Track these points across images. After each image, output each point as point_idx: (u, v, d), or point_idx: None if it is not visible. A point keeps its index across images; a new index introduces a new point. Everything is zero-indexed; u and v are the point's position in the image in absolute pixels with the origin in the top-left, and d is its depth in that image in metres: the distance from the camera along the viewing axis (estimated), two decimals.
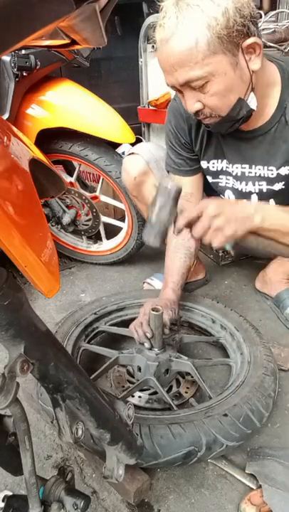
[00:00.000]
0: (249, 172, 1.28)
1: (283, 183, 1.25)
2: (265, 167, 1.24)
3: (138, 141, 1.82)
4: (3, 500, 0.70)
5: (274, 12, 1.97)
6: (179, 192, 0.93)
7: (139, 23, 2.08)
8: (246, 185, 1.31)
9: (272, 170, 1.24)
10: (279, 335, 1.50)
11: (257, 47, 1.00)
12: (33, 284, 0.53)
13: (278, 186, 1.27)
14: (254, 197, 1.33)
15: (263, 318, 1.59)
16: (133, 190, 1.53)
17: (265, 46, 1.81)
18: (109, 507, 0.96)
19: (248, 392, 1.04)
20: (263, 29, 1.84)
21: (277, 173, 1.24)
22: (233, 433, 0.95)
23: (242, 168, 1.28)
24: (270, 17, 1.92)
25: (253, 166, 1.26)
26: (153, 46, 2.08)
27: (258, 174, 1.27)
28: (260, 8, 2.51)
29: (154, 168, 1.46)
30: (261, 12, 1.98)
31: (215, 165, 1.34)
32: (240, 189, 1.33)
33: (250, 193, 1.32)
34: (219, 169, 1.34)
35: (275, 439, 1.11)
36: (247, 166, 1.27)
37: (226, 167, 1.32)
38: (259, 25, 1.85)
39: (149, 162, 1.46)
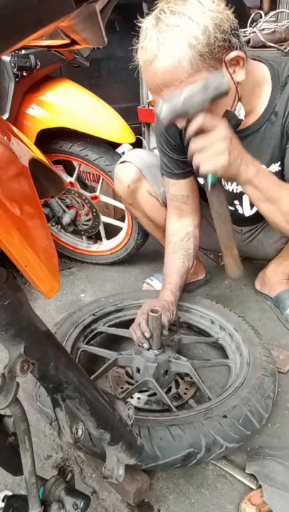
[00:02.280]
0: None
1: None
2: None
3: (138, 141, 1.82)
4: (3, 500, 0.70)
5: (274, 12, 1.98)
6: (225, 92, 0.93)
7: (140, 23, 2.08)
8: (237, 185, 1.31)
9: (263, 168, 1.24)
10: (279, 335, 1.50)
11: (240, 59, 1.01)
12: (33, 284, 0.53)
13: None
14: (245, 198, 1.33)
15: (263, 319, 1.59)
16: (128, 198, 1.52)
17: (265, 46, 1.81)
18: (109, 507, 0.96)
19: (247, 394, 1.04)
20: (263, 29, 1.84)
21: (268, 171, 1.24)
22: (232, 434, 0.95)
23: None
24: (270, 17, 1.92)
25: None
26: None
27: None
28: (260, 8, 2.51)
29: (148, 174, 1.46)
30: (261, 12, 1.98)
31: None
32: (230, 190, 1.33)
33: (242, 193, 1.33)
34: None
35: (275, 439, 1.11)
36: None
37: None
38: (259, 25, 1.86)
39: (142, 169, 1.45)
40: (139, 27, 1.00)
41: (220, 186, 1.07)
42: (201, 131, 0.96)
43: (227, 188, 1.33)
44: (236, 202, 1.37)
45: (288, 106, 1.13)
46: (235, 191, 1.33)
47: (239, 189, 1.31)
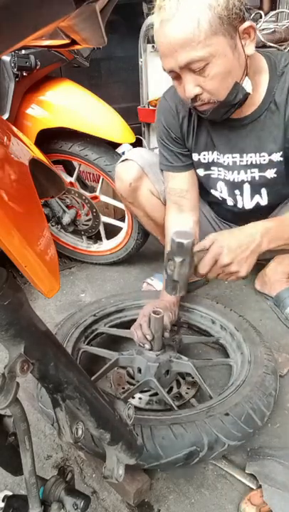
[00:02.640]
0: (240, 161, 1.29)
1: (275, 170, 1.26)
2: (257, 154, 1.25)
3: (138, 141, 1.82)
4: (3, 500, 0.70)
5: (274, 12, 1.97)
6: (194, 243, 0.93)
7: (139, 23, 2.08)
8: (238, 174, 1.31)
9: (264, 156, 1.25)
10: (279, 335, 1.50)
11: (252, 31, 1.03)
12: (33, 284, 0.53)
13: (270, 173, 1.27)
14: (246, 186, 1.33)
15: (263, 318, 1.59)
16: (128, 197, 1.52)
17: (265, 46, 1.81)
18: (109, 507, 0.96)
19: (249, 391, 1.04)
20: (263, 29, 1.84)
21: (270, 159, 1.25)
22: (234, 432, 0.95)
23: (233, 157, 1.29)
24: (270, 17, 1.92)
25: (245, 155, 1.27)
26: (153, 46, 2.08)
27: (249, 162, 1.28)
28: (260, 8, 2.51)
29: (149, 172, 1.46)
30: (261, 12, 1.98)
31: (206, 156, 1.34)
32: (232, 179, 1.34)
33: (243, 182, 1.33)
34: (210, 160, 1.34)
35: (275, 439, 1.11)
36: (238, 155, 1.28)
37: (217, 158, 1.32)
38: (259, 25, 1.86)
39: (144, 167, 1.45)
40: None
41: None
42: (209, 269, 0.98)
43: (228, 178, 1.34)
44: (237, 192, 1.37)
45: None
46: (235, 180, 1.33)
47: (240, 178, 1.32)
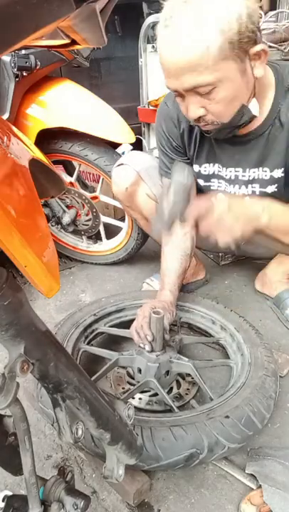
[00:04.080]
0: (243, 176, 1.28)
1: (276, 185, 1.25)
2: (260, 168, 1.24)
3: (138, 141, 1.82)
4: (3, 500, 0.69)
5: (274, 12, 1.97)
6: (192, 185, 0.93)
7: (139, 23, 2.08)
8: (239, 188, 1.31)
9: (266, 171, 1.24)
10: (279, 335, 1.50)
11: (263, 54, 0.98)
12: (33, 284, 0.53)
13: (271, 189, 1.27)
14: (246, 199, 1.33)
15: (263, 319, 1.59)
16: (125, 201, 1.52)
17: None
18: (109, 507, 0.96)
19: (249, 394, 1.04)
20: (263, 29, 1.84)
21: (271, 175, 1.24)
22: (234, 435, 0.95)
23: (235, 171, 1.28)
24: (270, 17, 1.92)
25: (247, 170, 1.26)
26: (153, 46, 2.08)
27: (251, 177, 1.27)
28: (260, 8, 2.50)
29: (145, 177, 1.45)
30: (261, 12, 1.98)
31: (207, 169, 1.33)
32: (232, 192, 1.33)
33: (243, 196, 1.32)
34: (211, 173, 1.33)
35: (275, 439, 1.11)
36: (240, 169, 1.27)
37: (219, 171, 1.31)
38: (259, 25, 1.86)
39: (140, 171, 1.45)
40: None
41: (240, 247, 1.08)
42: (201, 217, 0.97)
43: (229, 191, 1.33)
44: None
45: None
46: (237, 193, 1.32)
47: (241, 192, 1.31)
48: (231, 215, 0.97)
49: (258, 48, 0.96)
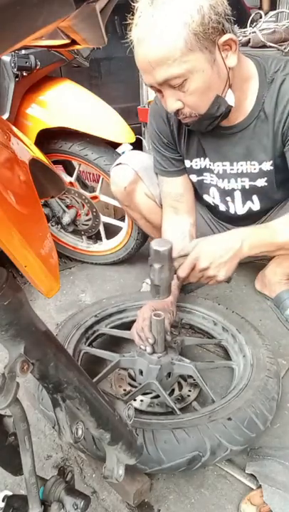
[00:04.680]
0: (231, 169, 1.28)
1: (265, 179, 1.26)
2: (248, 162, 1.25)
3: (138, 141, 1.82)
4: (3, 500, 0.69)
5: (274, 12, 1.98)
6: (171, 250, 0.98)
7: None
8: (228, 182, 1.31)
9: (254, 165, 1.24)
10: (279, 335, 1.50)
11: (232, 43, 1.01)
12: (33, 284, 0.53)
13: (261, 182, 1.27)
14: (237, 193, 1.33)
15: (263, 319, 1.59)
16: (124, 200, 1.52)
17: (265, 46, 1.81)
18: (109, 507, 0.96)
19: (251, 396, 1.04)
20: (263, 29, 1.84)
21: (260, 168, 1.24)
22: (237, 437, 0.94)
23: (223, 165, 1.29)
24: (270, 17, 1.92)
25: (235, 163, 1.26)
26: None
27: (240, 171, 1.27)
28: (260, 8, 2.51)
29: (144, 176, 1.45)
30: (261, 12, 1.98)
31: (198, 163, 1.34)
32: (222, 187, 1.34)
33: (233, 190, 1.33)
34: (202, 167, 1.34)
35: (275, 439, 1.11)
36: (228, 163, 1.28)
37: (209, 164, 1.32)
38: (259, 25, 1.86)
39: (138, 171, 1.45)
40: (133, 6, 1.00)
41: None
42: (189, 274, 1.04)
43: (219, 185, 1.33)
44: (228, 199, 1.37)
45: (279, 105, 1.12)
46: (226, 188, 1.33)
47: (230, 186, 1.31)
48: (212, 268, 1.03)
49: (225, 37, 0.98)
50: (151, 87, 1.07)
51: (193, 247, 1.03)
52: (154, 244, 0.96)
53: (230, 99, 1.09)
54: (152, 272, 0.99)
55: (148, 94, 2.30)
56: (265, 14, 1.95)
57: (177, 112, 1.09)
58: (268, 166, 1.23)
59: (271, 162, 1.22)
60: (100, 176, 1.81)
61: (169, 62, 0.97)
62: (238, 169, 1.27)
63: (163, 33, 0.94)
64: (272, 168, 1.23)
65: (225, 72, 1.04)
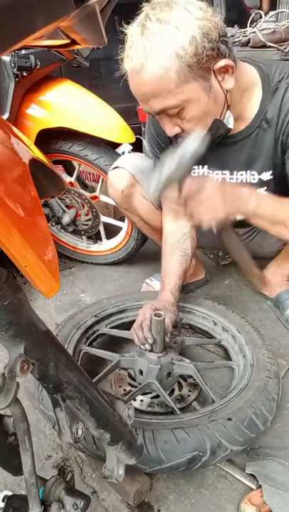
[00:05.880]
0: (230, 178, 1.27)
1: (265, 188, 1.25)
2: (248, 171, 1.24)
3: (138, 141, 1.82)
4: (3, 500, 0.70)
5: (274, 12, 1.97)
6: (199, 154, 0.93)
7: None
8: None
9: (254, 175, 1.23)
10: (279, 335, 1.50)
11: (229, 68, 0.99)
12: (33, 284, 0.53)
13: (260, 192, 1.25)
14: None
15: (263, 319, 1.59)
16: (122, 204, 1.52)
17: (265, 46, 1.81)
18: (109, 507, 0.96)
19: (251, 396, 1.04)
20: (263, 29, 1.84)
21: (259, 178, 1.23)
22: (237, 437, 0.94)
23: (222, 174, 1.28)
24: (270, 17, 1.92)
25: (235, 172, 1.26)
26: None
27: (239, 180, 1.26)
28: (260, 8, 2.51)
29: (141, 179, 1.45)
30: (261, 12, 1.98)
31: (196, 171, 1.33)
32: None
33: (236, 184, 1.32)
34: (200, 175, 1.33)
35: (275, 439, 1.11)
36: (227, 172, 1.27)
37: (208, 172, 1.31)
38: (259, 25, 1.86)
39: (135, 174, 1.44)
40: (125, 34, 0.99)
41: (227, 230, 1.09)
42: (192, 194, 0.99)
43: None
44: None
45: (281, 114, 1.11)
46: None
47: None
48: (219, 193, 0.98)
49: (221, 63, 0.97)
50: (148, 113, 1.07)
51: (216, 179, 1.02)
52: (186, 140, 0.94)
53: (229, 121, 1.09)
54: (167, 159, 0.95)
55: None
56: (265, 14, 1.95)
57: (176, 136, 1.08)
58: (267, 175, 1.22)
59: (271, 172, 1.21)
60: (99, 176, 1.81)
61: (163, 94, 0.97)
62: (237, 178, 1.26)
63: (156, 67, 0.93)
64: (271, 178, 1.22)
65: (222, 96, 1.03)
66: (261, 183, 1.24)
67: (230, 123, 1.09)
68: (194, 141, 0.94)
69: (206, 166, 1.30)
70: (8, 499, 0.69)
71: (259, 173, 1.22)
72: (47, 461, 1.07)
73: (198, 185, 0.99)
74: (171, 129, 1.06)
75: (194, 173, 1.33)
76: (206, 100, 1.00)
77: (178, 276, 1.36)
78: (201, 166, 1.31)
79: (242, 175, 1.25)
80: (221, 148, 1.22)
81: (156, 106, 1.00)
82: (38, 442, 1.12)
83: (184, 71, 0.94)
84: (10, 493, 0.73)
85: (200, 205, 1.00)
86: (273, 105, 1.11)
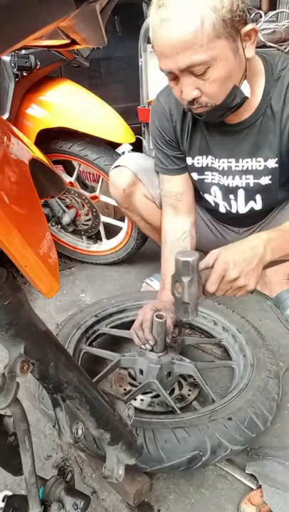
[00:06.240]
0: (236, 166, 1.28)
1: (270, 177, 1.25)
2: (253, 159, 1.24)
3: (138, 141, 1.82)
4: (3, 500, 0.70)
5: (274, 12, 1.97)
6: (199, 260, 0.89)
7: (139, 23, 2.08)
8: (233, 179, 1.31)
9: (259, 162, 1.24)
10: (279, 335, 1.50)
11: (253, 34, 1.00)
12: (33, 284, 0.53)
13: (265, 180, 1.27)
14: (241, 192, 1.33)
15: (263, 318, 1.59)
16: (124, 203, 1.52)
17: (265, 46, 1.81)
18: (109, 507, 0.96)
19: (251, 396, 1.04)
20: (263, 29, 1.84)
21: (265, 165, 1.24)
22: (237, 437, 0.95)
23: (228, 162, 1.28)
24: (270, 17, 1.92)
25: (240, 160, 1.26)
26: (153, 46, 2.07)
27: (245, 168, 1.27)
28: (260, 8, 2.50)
29: (143, 178, 1.45)
30: (261, 12, 1.98)
31: (200, 161, 1.33)
32: (226, 184, 1.33)
33: (237, 187, 1.32)
34: (204, 165, 1.33)
35: (275, 439, 1.11)
36: (233, 160, 1.27)
37: (212, 163, 1.31)
38: (259, 25, 1.86)
39: (137, 173, 1.44)
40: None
41: None
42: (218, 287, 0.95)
43: (222, 183, 1.33)
44: (231, 196, 1.36)
45: (286, 103, 1.12)
46: (230, 185, 1.32)
47: (235, 183, 1.31)
48: (241, 278, 0.95)
49: (248, 27, 0.98)
50: (169, 73, 1.03)
51: (216, 259, 0.95)
52: (181, 256, 0.86)
53: (246, 89, 1.08)
54: (178, 288, 0.88)
55: (148, 94, 2.29)
56: (265, 14, 1.95)
57: (192, 101, 1.06)
58: (272, 163, 1.22)
59: (276, 159, 1.21)
60: (99, 176, 1.81)
61: (195, 48, 0.93)
62: (243, 166, 1.27)
63: (192, 16, 0.90)
64: (277, 165, 1.22)
65: (244, 62, 1.03)
66: (267, 171, 1.24)
67: (247, 92, 1.08)
68: (183, 254, 0.88)
69: (210, 156, 1.31)
70: (8, 499, 0.69)
71: (265, 161, 1.23)
72: (47, 461, 1.07)
73: (220, 278, 0.94)
74: (190, 92, 1.02)
75: (198, 163, 1.34)
76: (232, 61, 0.99)
77: None
78: (205, 157, 1.31)
79: (247, 162, 1.25)
80: (226, 136, 1.23)
81: (183, 61, 0.96)
82: (38, 442, 1.12)
83: (219, 25, 0.92)
84: (10, 493, 0.73)
85: (229, 293, 0.98)
86: (278, 93, 1.13)
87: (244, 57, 1.03)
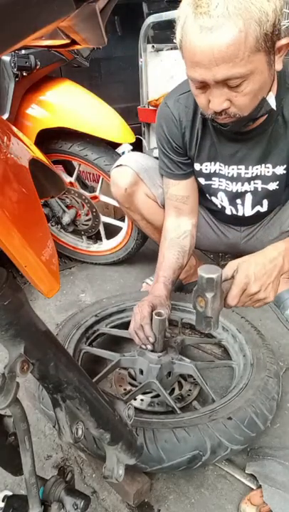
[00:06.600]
0: (245, 173, 1.28)
1: (277, 182, 1.26)
2: (263, 165, 1.24)
3: (138, 141, 1.82)
4: (3, 500, 0.70)
5: None
6: (221, 275, 0.89)
7: (139, 23, 2.08)
8: (242, 185, 1.31)
9: (268, 168, 1.24)
10: (279, 335, 1.50)
11: (285, 47, 0.97)
12: (33, 284, 0.53)
13: (272, 186, 1.27)
14: (248, 196, 1.33)
15: (263, 319, 1.59)
16: (125, 202, 1.51)
17: None
18: (109, 507, 0.96)
19: (251, 395, 1.04)
20: None
21: (273, 172, 1.24)
22: (237, 436, 0.95)
23: (238, 169, 1.28)
24: None
25: (250, 167, 1.26)
26: (153, 46, 2.08)
27: (254, 174, 1.27)
28: None
29: (145, 177, 1.44)
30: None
31: (208, 167, 1.33)
32: (234, 190, 1.33)
33: (245, 192, 1.32)
34: (212, 171, 1.33)
35: (275, 439, 1.11)
36: (243, 166, 1.27)
37: (220, 169, 1.31)
38: None
39: (139, 172, 1.44)
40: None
41: None
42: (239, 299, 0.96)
43: (230, 189, 1.33)
44: (238, 201, 1.37)
45: None
46: (239, 191, 1.32)
47: (243, 188, 1.31)
48: (262, 291, 0.96)
49: (283, 41, 0.95)
50: (201, 82, 0.98)
51: (235, 270, 0.95)
52: (204, 272, 0.86)
53: (271, 101, 1.06)
54: (201, 302, 0.89)
55: (148, 94, 2.30)
56: None
57: (220, 112, 1.03)
58: (281, 170, 1.22)
59: (285, 166, 1.22)
60: (99, 176, 1.81)
61: (236, 61, 0.90)
62: (252, 173, 1.27)
63: (237, 29, 0.87)
64: (285, 172, 1.23)
65: (273, 75, 1.02)
66: (275, 177, 1.25)
67: (272, 104, 1.06)
68: (206, 271, 0.88)
69: (218, 163, 1.30)
70: (8, 499, 0.69)
71: (273, 167, 1.23)
72: (47, 461, 1.07)
73: (241, 291, 0.94)
74: (221, 103, 0.99)
75: (206, 169, 1.33)
76: (266, 75, 0.97)
77: (173, 269, 1.34)
78: (213, 163, 1.31)
79: (257, 169, 1.25)
80: (237, 143, 1.23)
81: (222, 73, 0.92)
82: (38, 442, 1.12)
83: (261, 39, 0.89)
84: (10, 493, 0.73)
85: (249, 301, 0.98)
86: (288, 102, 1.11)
87: (274, 70, 1.01)
